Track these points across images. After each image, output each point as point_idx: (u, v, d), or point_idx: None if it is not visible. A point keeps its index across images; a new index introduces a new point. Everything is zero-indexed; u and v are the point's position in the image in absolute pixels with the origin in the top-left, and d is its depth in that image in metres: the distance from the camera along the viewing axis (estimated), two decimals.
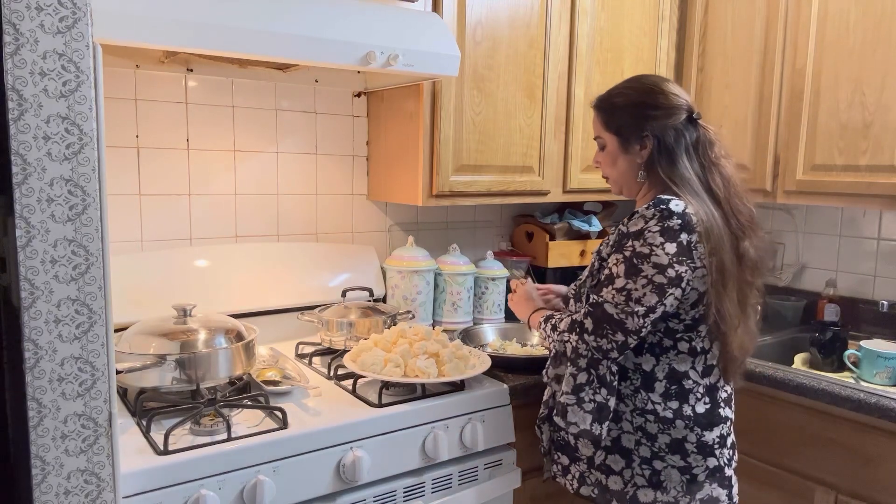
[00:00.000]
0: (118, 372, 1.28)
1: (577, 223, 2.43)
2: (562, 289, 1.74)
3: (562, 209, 2.54)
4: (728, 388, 1.45)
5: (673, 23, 2.40)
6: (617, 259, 1.34)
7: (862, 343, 1.95)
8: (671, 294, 1.30)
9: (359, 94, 2.16)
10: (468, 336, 1.94)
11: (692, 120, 1.41)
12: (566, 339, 1.39)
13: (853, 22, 1.99)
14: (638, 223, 1.33)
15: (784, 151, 2.19)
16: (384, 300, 2.14)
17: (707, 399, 1.39)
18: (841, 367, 2.01)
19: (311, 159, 2.10)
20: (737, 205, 1.38)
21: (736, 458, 1.45)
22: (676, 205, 1.31)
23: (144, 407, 1.41)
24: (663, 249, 1.28)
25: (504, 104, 2.04)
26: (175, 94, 1.85)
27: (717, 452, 1.38)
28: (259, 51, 1.48)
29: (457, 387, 1.61)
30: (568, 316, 1.43)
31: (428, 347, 1.60)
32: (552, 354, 1.51)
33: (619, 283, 1.31)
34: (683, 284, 1.31)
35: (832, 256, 2.43)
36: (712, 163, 1.40)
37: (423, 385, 1.56)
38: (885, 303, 2.21)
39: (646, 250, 1.30)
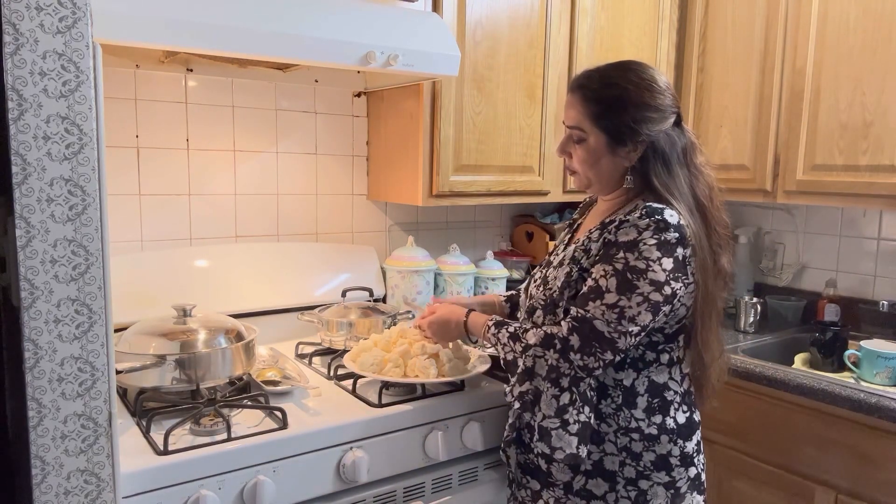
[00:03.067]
0: (118, 372, 1.28)
1: None
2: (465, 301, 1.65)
3: (562, 209, 2.54)
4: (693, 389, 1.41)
5: (673, 22, 2.40)
6: (605, 271, 1.24)
7: (862, 343, 1.95)
8: (663, 311, 1.24)
9: (359, 94, 2.16)
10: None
11: (679, 122, 1.34)
12: (539, 354, 1.28)
13: (853, 22, 1.99)
14: (630, 233, 1.24)
15: (784, 151, 2.19)
16: (384, 300, 2.14)
17: (685, 406, 1.34)
18: (841, 367, 2.01)
19: (311, 159, 2.10)
20: (717, 217, 1.33)
21: (704, 457, 1.41)
22: (671, 215, 1.24)
23: (144, 407, 1.41)
24: (660, 265, 1.21)
25: (504, 104, 2.04)
26: (175, 94, 1.85)
27: (695, 460, 1.34)
28: (259, 51, 1.48)
29: (457, 387, 1.61)
30: (533, 328, 1.32)
31: (428, 347, 1.60)
32: (520, 370, 1.35)
33: (611, 298, 1.22)
34: (675, 301, 1.25)
35: (832, 256, 2.43)
36: (698, 170, 1.34)
37: (423, 385, 1.56)
38: (885, 303, 2.21)
39: (641, 265, 1.21)
